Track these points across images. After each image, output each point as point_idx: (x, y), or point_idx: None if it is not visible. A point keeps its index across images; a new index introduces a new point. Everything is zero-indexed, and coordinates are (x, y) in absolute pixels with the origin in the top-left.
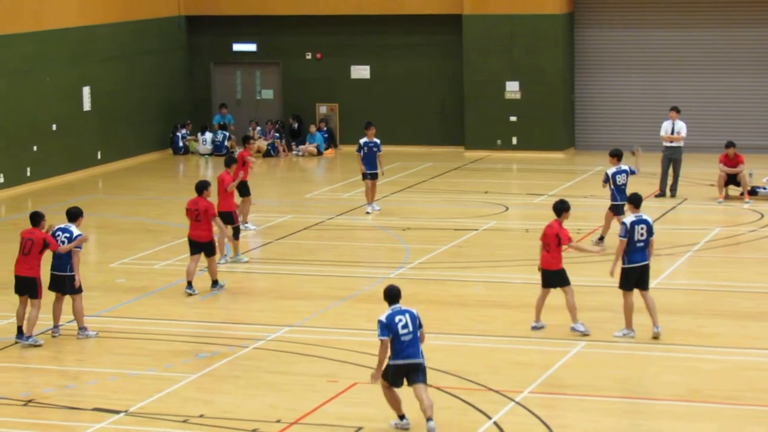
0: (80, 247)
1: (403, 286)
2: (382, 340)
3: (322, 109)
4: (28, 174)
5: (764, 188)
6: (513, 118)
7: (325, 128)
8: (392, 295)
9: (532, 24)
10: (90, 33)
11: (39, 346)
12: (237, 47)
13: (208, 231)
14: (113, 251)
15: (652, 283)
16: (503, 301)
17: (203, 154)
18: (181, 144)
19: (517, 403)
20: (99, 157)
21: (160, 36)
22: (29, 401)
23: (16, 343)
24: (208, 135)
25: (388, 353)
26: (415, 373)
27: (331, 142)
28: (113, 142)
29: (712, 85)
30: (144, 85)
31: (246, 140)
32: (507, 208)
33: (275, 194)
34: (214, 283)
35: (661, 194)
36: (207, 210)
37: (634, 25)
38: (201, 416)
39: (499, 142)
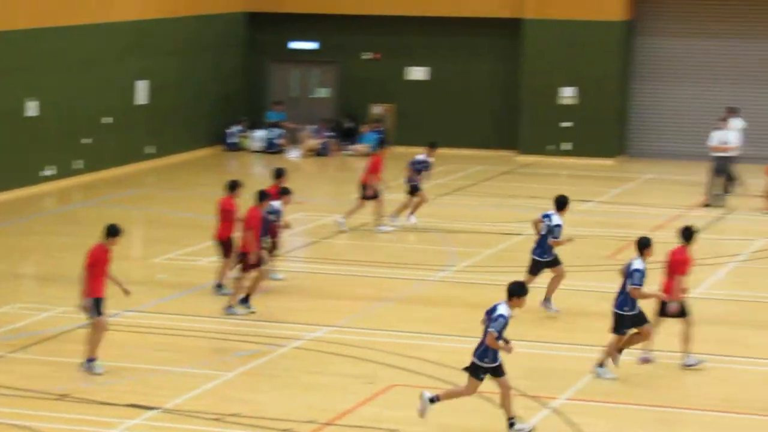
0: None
1: (446, 289)
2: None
3: (376, 109)
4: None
5: None
6: (567, 124)
7: (379, 128)
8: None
9: (592, 30)
10: (150, 26)
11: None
12: (294, 45)
13: None
14: (159, 246)
15: (694, 292)
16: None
17: (254, 151)
18: (233, 140)
19: (553, 409)
20: (151, 150)
21: (219, 32)
22: (64, 395)
23: None
24: (260, 132)
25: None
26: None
27: (383, 143)
28: (166, 137)
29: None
30: (201, 80)
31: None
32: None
33: (323, 193)
34: None
35: (709, 204)
36: None
37: (695, 35)
38: (235, 415)
39: (551, 147)
